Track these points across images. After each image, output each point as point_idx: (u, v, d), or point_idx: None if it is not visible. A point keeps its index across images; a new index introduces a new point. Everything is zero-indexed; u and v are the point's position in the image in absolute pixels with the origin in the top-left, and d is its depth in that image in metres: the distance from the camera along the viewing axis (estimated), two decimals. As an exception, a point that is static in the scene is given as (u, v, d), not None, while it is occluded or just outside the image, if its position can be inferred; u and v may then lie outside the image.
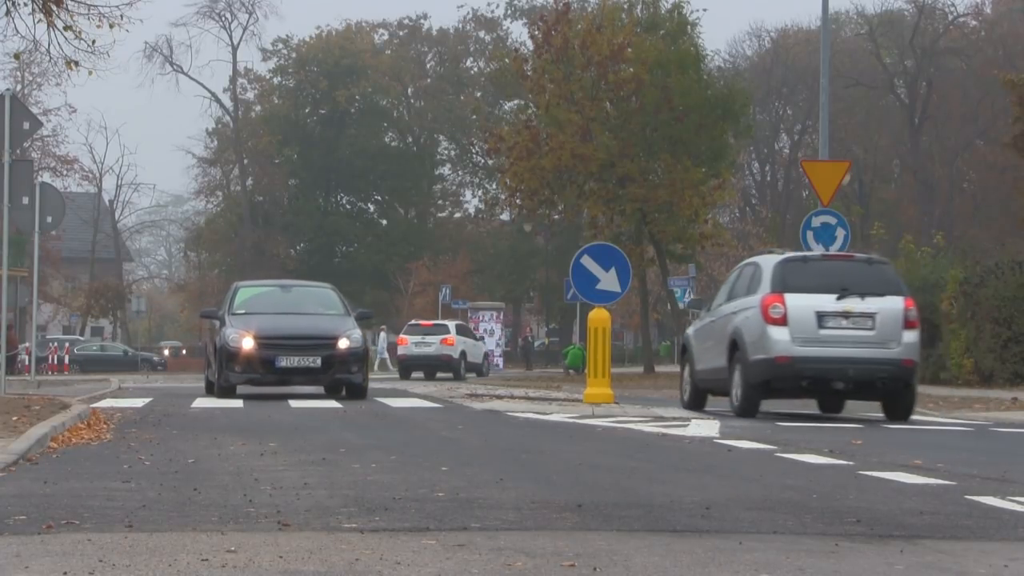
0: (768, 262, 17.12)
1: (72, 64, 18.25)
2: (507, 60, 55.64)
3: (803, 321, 16.19)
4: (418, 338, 44.78)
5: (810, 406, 19.04)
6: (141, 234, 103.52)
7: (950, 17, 74.64)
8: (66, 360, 55.74)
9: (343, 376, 20.34)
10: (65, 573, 5.22)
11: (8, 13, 18.39)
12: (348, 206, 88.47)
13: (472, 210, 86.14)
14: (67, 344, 60.18)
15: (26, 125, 19.28)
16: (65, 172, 72.45)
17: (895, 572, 5.53)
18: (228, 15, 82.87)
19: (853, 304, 16.30)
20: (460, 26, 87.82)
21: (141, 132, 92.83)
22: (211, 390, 21.44)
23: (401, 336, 46.36)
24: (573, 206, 48.11)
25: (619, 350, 70.20)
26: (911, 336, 16.44)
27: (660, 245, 45.88)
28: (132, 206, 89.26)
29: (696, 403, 18.56)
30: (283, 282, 25.67)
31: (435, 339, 44.77)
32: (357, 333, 20.57)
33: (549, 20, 46.77)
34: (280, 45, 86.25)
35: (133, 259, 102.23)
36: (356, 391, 20.43)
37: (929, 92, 72.80)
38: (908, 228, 61.34)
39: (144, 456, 9.97)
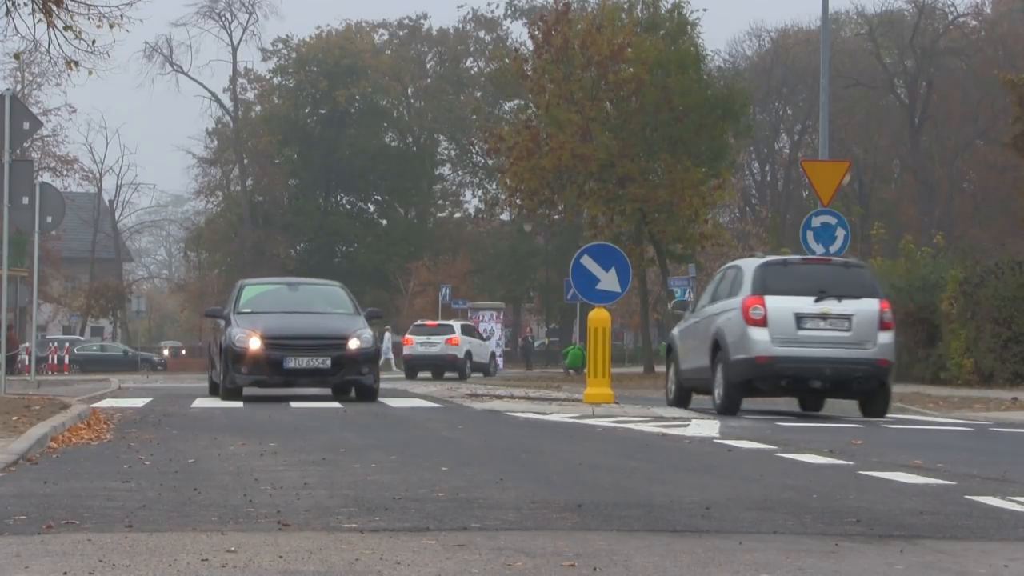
0: (749, 265, 17.73)
1: (72, 64, 18.26)
2: (507, 60, 55.67)
3: (782, 322, 16.79)
4: (423, 338, 45.34)
5: (792, 404, 19.54)
6: (141, 234, 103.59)
7: (950, 17, 74.65)
8: (66, 360, 55.75)
9: (353, 377, 19.53)
10: (65, 573, 5.22)
11: (8, 13, 18.40)
12: (348, 206, 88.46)
13: (472, 210, 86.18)
14: (67, 344, 60.18)
15: (26, 125, 19.28)
16: (65, 172, 72.56)
17: (895, 572, 5.53)
18: (228, 15, 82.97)
19: (830, 306, 16.89)
20: (460, 26, 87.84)
21: (141, 132, 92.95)
22: (216, 391, 20.58)
23: (407, 336, 46.67)
24: (573, 206, 48.11)
25: (619, 350, 70.18)
26: (886, 337, 17.14)
27: (660, 245, 45.88)
28: (132, 206, 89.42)
29: (681, 401, 19.07)
30: (290, 280, 24.50)
31: (440, 339, 45.28)
32: (368, 333, 19.81)
33: (549, 20, 46.77)
34: (280, 45, 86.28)
35: (133, 259, 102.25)
36: (367, 393, 19.62)
37: (929, 92, 72.81)
38: (908, 228, 61.35)
39: (144, 456, 9.97)
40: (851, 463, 9.85)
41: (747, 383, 17.06)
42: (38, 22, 18.31)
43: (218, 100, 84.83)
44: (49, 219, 23.36)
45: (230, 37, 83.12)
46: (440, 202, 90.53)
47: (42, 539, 6.00)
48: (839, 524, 6.71)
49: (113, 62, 42.95)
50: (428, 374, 44.99)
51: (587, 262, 19.29)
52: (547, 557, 5.66)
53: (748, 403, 18.26)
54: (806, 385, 17.22)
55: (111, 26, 18.22)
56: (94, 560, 5.47)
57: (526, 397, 22.40)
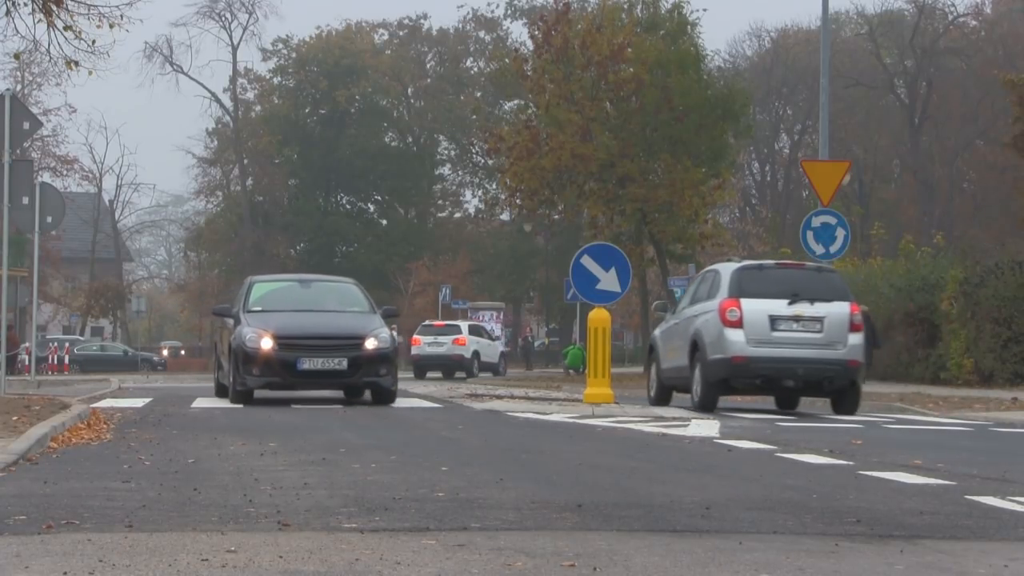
0: (726, 269, 18.51)
1: (72, 64, 18.26)
2: (507, 60, 55.63)
3: (757, 324, 17.58)
4: (431, 338, 45.99)
5: (769, 402, 20.30)
6: (141, 234, 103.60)
7: (950, 17, 74.64)
8: (66, 360, 55.74)
9: (371, 379, 18.40)
10: (65, 573, 5.22)
11: (8, 13, 18.41)
12: (348, 206, 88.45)
13: (472, 210, 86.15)
14: (67, 344, 60.16)
15: (26, 125, 19.27)
16: (65, 172, 72.59)
17: (895, 572, 5.53)
18: (228, 15, 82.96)
19: (803, 309, 17.68)
20: (460, 26, 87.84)
21: (141, 132, 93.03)
22: (223, 394, 19.70)
23: (415, 336, 46.99)
24: (573, 206, 48.11)
25: (619, 350, 70.18)
26: (856, 339, 17.86)
27: (660, 245, 45.87)
28: (132, 206, 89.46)
29: (661, 399, 19.66)
30: (302, 276, 23.05)
31: (447, 339, 46.00)
32: (385, 332, 18.76)
33: (549, 20, 46.76)
34: (280, 45, 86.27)
35: (133, 259, 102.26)
36: (384, 395, 18.60)
37: (929, 92, 72.80)
38: (908, 228, 61.37)
39: (144, 456, 9.97)
40: (851, 463, 9.85)
41: (724, 382, 17.75)
42: (38, 22, 18.33)
43: (218, 100, 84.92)
44: (49, 219, 23.37)
45: (230, 37, 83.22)
46: (440, 202, 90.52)
47: (42, 539, 6.00)
48: (839, 524, 6.71)
49: (113, 62, 43.04)
50: (439, 374, 45.51)
51: (587, 262, 19.34)
52: (547, 557, 5.66)
53: (725, 401, 19.12)
54: (780, 384, 17.95)
55: (111, 26, 18.24)
56: (94, 560, 5.47)
57: (526, 397, 22.41)
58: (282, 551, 5.71)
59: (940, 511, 7.20)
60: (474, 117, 75.68)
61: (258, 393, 18.86)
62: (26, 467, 9.10)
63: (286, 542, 5.95)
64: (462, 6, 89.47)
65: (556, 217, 56.20)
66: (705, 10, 48.63)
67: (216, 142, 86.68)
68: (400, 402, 19.24)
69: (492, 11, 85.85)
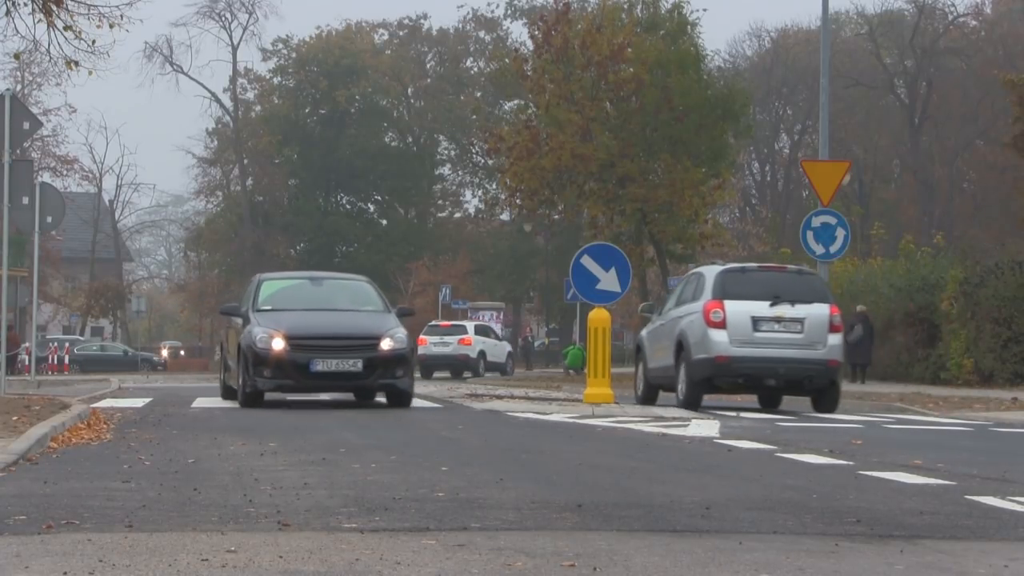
0: (711, 272, 19.10)
1: (72, 64, 18.27)
2: (507, 60, 55.62)
3: (740, 325, 18.15)
4: (437, 338, 46.47)
5: (752, 400, 20.83)
6: (141, 234, 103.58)
7: (950, 17, 74.61)
8: (66, 360, 55.76)
9: (388, 381, 17.65)
10: (65, 573, 5.22)
11: (8, 13, 18.42)
12: (348, 206, 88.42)
13: (472, 210, 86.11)
14: (67, 344, 60.19)
15: (26, 125, 19.27)
16: (65, 172, 72.56)
17: (895, 572, 5.53)
18: (228, 15, 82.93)
19: (784, 310, 18.24)
20: (460, 26, 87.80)
21: (141, 132, 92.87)
22: (230, 396, 18.95)
23: (421, 336, 47.15)
24: (573, 206, 48.11)
25: (619, 350, 70.03)
26: (835, 339, 18.43)
27: (660, 245, 45.87)
28: (132, 206, 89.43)
29: (648, 398, 20.19)
30: (313, 274, 21.92)
31: (453, 339, 46.62)
32: (401, 332, 17.83)
33: (549, 20, 46.75)
34: (280, 45, 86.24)
35: (133, 259, 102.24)
36: (401, 398, 17.90)
37: (929, 92, 72.77)
38: (908, 228, 61.36)
39: (144, 456, 9.97)
40: (851, 463, 9.85)
41: (707, 381, 18.30)
42: (38, 22, 18.34)
43: (218, 100, 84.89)
44: (49, 219, 23.37)
45: (230, 37, 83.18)
46: (440, 202, 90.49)
47: (42, 539, 6.00)
48: (839, 524, 6.71)
49: (113, 62, 42.99)
50: (447, 373, 45.85)
51: (587, 262, 19.39)
52: (547, 557, 5.66)
53: (711, 399, 19.82)
54: (762, 383, 18.52)
55: (111, 26, 18.25)
56: (94, 560, 5.47)
57: (526, 397, 22.42)
58: (282, 551, 5.71)
59: (940, 511, 7.20)
60: (474, 117, 75.67)
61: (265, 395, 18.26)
62: (26, 467, 9.10)
63: (286, 542, 5.95)
64: (462, 6, 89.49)
65: (556, 217, 56.19)
66: (705, 10, 48.64)
67: (216, 142, 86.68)
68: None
69: (492, 11, 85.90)
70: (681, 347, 18.54)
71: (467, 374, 46.01)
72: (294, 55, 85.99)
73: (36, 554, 5.62)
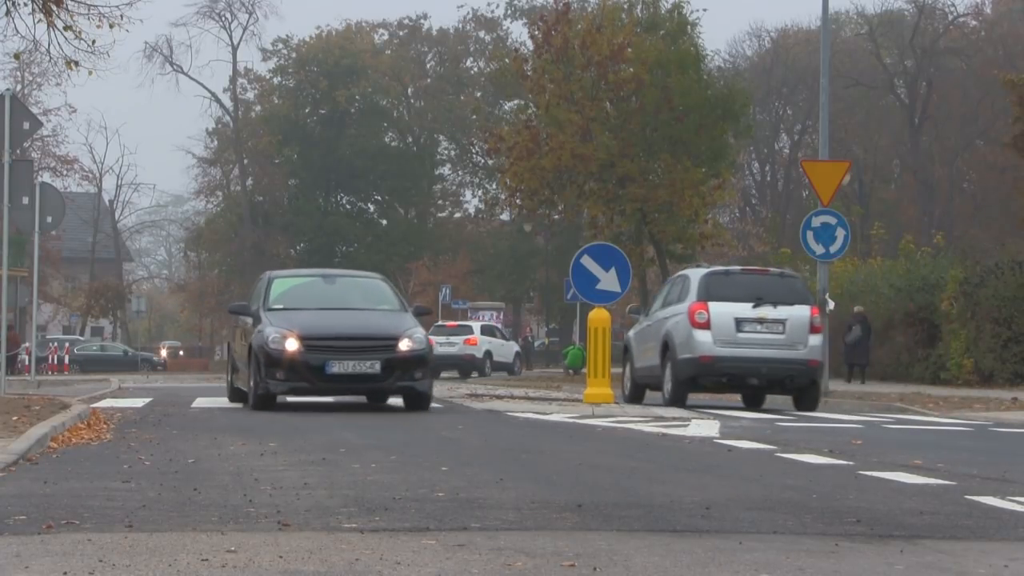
0: (695, 274, 19.80)
1: (72, 64, 18.27)
2: (507, 60, 55.60)
3: (724, 326, 18.74)
4: (443, 339, 46.71)
5: (736, 399, 21.26)
6: (141, 234, 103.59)
7: (950, 17, 74.59)
8: (66, 360, 55.75)
9: (406, 383, 16.93)
10: (65, 573, 5.22)
11: (8, 13, 18.41)
12: (348, 206, 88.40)
13: (472, 210, 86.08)
14: (67, 344, 60.17)
15: (26, 125, 19.27)
16: (65, 172, 72.55)
17: (895, 572, 5.53)
18: (228, 15, 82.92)
19: (766, 312, 18.83)
20: (460, 26, 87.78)
21: (141, 132, 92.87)
22: (239, 399, 18.29)
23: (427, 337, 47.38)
24: (573, 206, 48.10)
25: (619, 350, 70.08)
26: (816, 340, 19.07)
27: (660, 245, 45.86)
28: (132, 206, 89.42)
29: (635, 397, 20.75)
30: (325, 272, 20.84)
31: (459, 339, 47.01)
32: (420, 332, 17.27)
33: (549, 20, 46.74)
34: (280, 45, 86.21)
35: (133, 259, 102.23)
36: (419, 401, 17.23)
37: (929, 92, 72.76)
38: (908, 228, 61.35)
39: (144, 456, 9.97)
40: (851, 463, 9.85)
41: (692, 380, 18.93)
42: (38, 22, 18.33)
43: (218, 100, 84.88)
44: (49, 219, 23.37)
45: (230, 37, 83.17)
46: (440, 202, 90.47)
47: (42, 539, 6.00)
48: (839, 524, 6.71)
49: (113, 62, 42.93)
50: (455, 373, 46.08)
51: (587, 262, 19.42)
52: (547, 557, 5.66)
53: (697, 398, 20.45)
54: (745, 382, 19.12)
55: (111, 26, 18.24)
56: (94, 560, 5.47)
57: (526, 397, 22.44)
58: (282, 551, 5.71)
59: (940, 511, 7.20)
60: (474, 117, 75.64)
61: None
62: (26, 467, 9.10)
63: (286, 542, 5.95)
64: (462, 6, 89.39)
65: (556, 217, 56.17)
66: (705, 10, 48.60)
67: (216, 142, 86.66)
68: (400, 402, 19.13)
69: (492, 11, 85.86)
70: (667, 347, 19.11)
71: (475, 374, 46.19)
72: (294, 55, 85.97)
73: (36, 554, 5.61)
